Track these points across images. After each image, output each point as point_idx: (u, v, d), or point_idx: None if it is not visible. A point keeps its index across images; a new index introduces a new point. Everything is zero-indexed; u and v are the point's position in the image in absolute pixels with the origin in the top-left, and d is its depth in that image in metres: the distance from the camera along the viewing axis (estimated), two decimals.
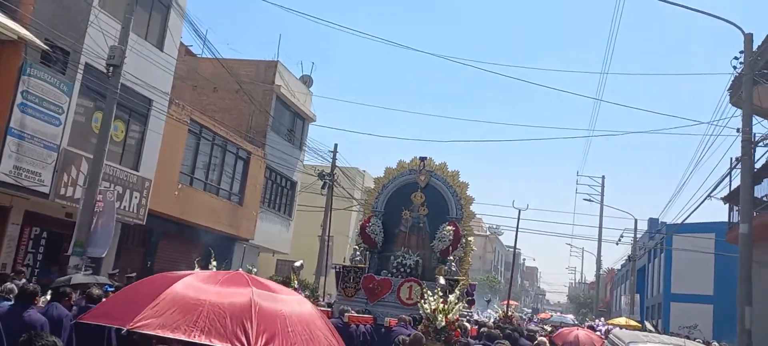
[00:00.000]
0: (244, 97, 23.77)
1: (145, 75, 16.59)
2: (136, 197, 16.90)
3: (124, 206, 16.45)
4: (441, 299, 9.15)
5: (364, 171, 38.20)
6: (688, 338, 13.45)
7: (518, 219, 27.45)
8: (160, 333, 3.93)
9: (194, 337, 3.88)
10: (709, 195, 14.98)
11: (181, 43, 24.73)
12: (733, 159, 12.63)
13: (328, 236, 26.19)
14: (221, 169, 21.89)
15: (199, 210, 20.41)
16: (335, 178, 26.15)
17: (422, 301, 9.33)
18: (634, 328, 21.77)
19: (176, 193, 19.18)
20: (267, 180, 25.09)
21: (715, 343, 13.55)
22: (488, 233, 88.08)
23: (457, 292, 9.78)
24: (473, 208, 14.87)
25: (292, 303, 4.51)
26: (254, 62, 25.12)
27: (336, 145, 26.08)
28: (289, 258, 29.45)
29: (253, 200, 23.44)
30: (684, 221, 19.03)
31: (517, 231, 28.52)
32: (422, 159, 15.07)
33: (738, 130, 11.80)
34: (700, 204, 15.81)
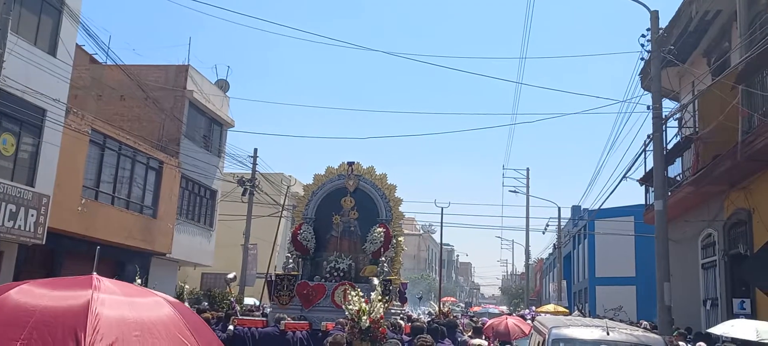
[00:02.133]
0: (156, 104, 22.59)
1: (36, 83, 15.36)
2: (32, 215, 15.58)
3: (19, 226, 15.14)
4: (364, 300, 9.06)
5: (290, 176, 37.33)
6: (612, 319, 13.48)
7: (442, 217, 27.33)
8: None
9: None
10: (624, 176, 15.14)
11: (84, 52, 23.32)
12: (647, 136, 12.73)
13: (252, 244, 25.34)
14: (131, 180, 20.64)
15: (107, 226, 19.14)
16: (257, 184, 25.26)
17: (347, 303, 9.22)
18: (562, 314, 22.02)
19: (80, 208, 17.88)
20: (183, 190, 23.92)
21: (645, 322, 13.62)
22: (421, 232, 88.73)
23: (378, 290, 9.69)
24: (405, 207, 15.17)
25: (146, 307, 4.10)
26: (163, 67, 23.93)
27: (256, 150, 25.26)
28: (213, 270, 28.34)
29: (168, 212, 22.26)
30: (603, 204, 19.29)
31: (442, 228, 28.41)
32: (350, 164, 15.20)
33: (649, 108, 11.89)
34: (617, 186, 16.16)
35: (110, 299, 3.83)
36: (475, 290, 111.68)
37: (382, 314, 9.41)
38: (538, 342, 8.33)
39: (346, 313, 9.21)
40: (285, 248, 33.60)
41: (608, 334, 7.47)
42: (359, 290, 9.72)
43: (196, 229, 25.03)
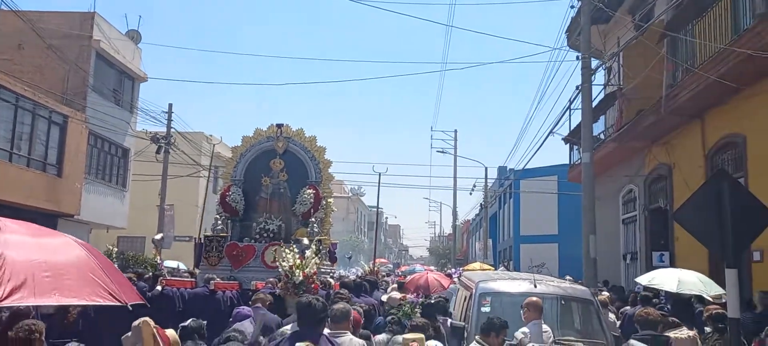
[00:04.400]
0: (58, 54, 20.81)
1: None
2: None
3: None
4: (297, 256, 9.54)
5: (211, 136, 35.91)
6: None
7: (379, 183, 26.97)
8: None
9: None
10: (551, 131, 15.05)
11: None
12: (576, 87, 12.58)
13: (169, 205, 24.15)
14: (31, 136, 18.97)
15: (5, 184, 17.54)
16: (173, 141, 23.92)
17: (280, 260, 9.57)
18: (488, 270, 22.12)
19: None
20: (92, 148, 22.32)
21: (569, 277, 13.66)
22: (350, 195, 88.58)
23: (313, 248, 10.32)
24: (334, 169, 15.36)
25: (54, 247, 4.05)
26: (66, 14, 22.10)
27: (170, 105, 23.79)
28: (128, 233, 26.93)
29: (75, 171, 20.71)
30: (528, 161, 19.29)
31: (378, 195, 28.29)
32: (279, 126, 15.32)
33: (578, 58, 11.69)
34: (544, 142, 16.37)
35: (17, 241, 3.73)
36: (403, 252, 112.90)
37: (316, 270, 9.99)
38: (465, 297, 8.00)
39: (280, 269, 9.62)
40: (208, 209, 32.48)
41: (536, 286, 7.21)
42: (293, 246, 10.20)
43: (108, 189, 23.53)
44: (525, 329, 6.10)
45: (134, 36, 25.26)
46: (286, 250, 9.85)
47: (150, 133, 23.88)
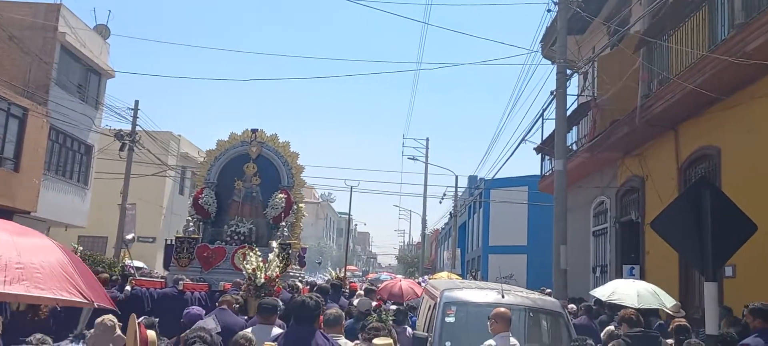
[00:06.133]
0: (20, 45, 20.06)
1: None
2: None
3: None
4: (261, 259, 9.77)
5: (179, 135, 35.21)
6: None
7: (350, 197, 26.69)
8: None
9: None
10: (523, 139, 14.85)
11: None
12: (551, 93, 12.39)
13: (131, 204, 23.46)
14: None
15: None
16: (138, 139, 23.23)
17: (244, 262, 9.90)
18: (455, 280, 21.90)
19: None
20: (53, 143, 21.56)
21: (548, 289, 13.41)
22: (320, 200, 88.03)
23: (276, 251, 10.71)
24: (305, 173, 15.56)
25: (32, 245, 4.03)
26: (31, 5, 21.35)
27: (136, 102, 23.08)
28: (88, 232, 26.12)
29: (33, 166, 19.93)
30: (497, 172, 19.12)
31: (350, 208, 27.95)
32: (253, 131, 15.47)
33: (553, 62, 11.51)
34: (516, 149, 16.32)
35: None
36: (372, 259, 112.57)
37: (278, 272, 10.12)
38: (430, 306, 7.66)
39: (244, 272, 9.84)
40: (173, 210, 31.75)
41: (503, 297, 6.88)
42: (256, 250, 10.45)
43: (68, 186, 22.74)
44: (491, 342, 5.76)
45: (102, 30, 24.57)
46: (250, 254, 10.04)
47: (114, 130, 23.17)
